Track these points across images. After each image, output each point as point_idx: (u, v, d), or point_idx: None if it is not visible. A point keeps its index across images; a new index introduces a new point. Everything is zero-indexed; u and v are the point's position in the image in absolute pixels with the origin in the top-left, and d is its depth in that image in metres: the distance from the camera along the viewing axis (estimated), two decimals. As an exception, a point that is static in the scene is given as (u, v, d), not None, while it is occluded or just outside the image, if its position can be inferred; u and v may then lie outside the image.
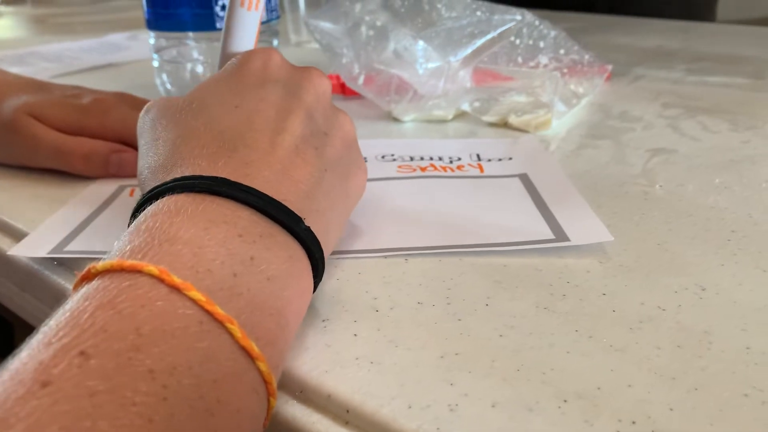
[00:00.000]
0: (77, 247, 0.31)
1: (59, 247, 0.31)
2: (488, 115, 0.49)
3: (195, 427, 0.17)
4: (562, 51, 0.55)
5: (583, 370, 0.22)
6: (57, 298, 0.30)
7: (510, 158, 0.41)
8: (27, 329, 0.37)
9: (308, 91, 0.29)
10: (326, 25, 0.51)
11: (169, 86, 0.53)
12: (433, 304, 0.26)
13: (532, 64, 0.54)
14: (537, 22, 0.54)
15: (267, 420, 0.21)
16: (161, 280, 0.19)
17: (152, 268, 0.19)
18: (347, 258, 0.30)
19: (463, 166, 0.40)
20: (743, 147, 0.43)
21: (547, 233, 0.31)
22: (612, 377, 0.22)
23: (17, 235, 0.33)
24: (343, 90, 0.55)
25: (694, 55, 0.69)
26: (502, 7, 0.51)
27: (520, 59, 0.53)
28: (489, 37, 0.48)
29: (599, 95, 0.55)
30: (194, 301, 0.19)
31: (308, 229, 0.24)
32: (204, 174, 0.24)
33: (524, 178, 0.38)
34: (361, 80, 0.50)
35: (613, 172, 0.39)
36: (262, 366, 0.19)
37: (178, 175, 0.24)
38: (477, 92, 0.50)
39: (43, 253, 0.30)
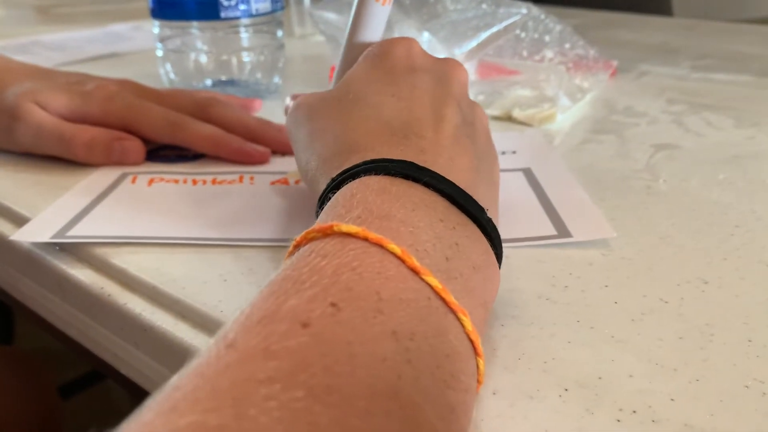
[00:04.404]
0: (79, 232, 0.31)
1: (61, 233, 0.31)
2: (492, 109, 0.49)
3: (436, 395, 0.17)
4: (567, 45, 0.55)
5: (585, 359, 0.22)
6: (58, 282, 0.30)
7: (514, 152, 0.41)
8: (26, 314, 0.37)
9: (453, 81, 0.29)
10: (331, 15, 0.51)
11: (172, 76, 0.53)
12: (435, 294, 0.26)
13: (537, 57, 0.54)
14: (542, 16, 0.54)
15: None
16: (402, 261, 0.19)
17: (395, 246, 0.19)
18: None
19: (466, 159, 0.40)
20: (747, 143, 0.43)
21: (550, 229, 0.31)
22: (613, 367, 0.22)
23: (19, 221, 0.33)
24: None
25: (699, 52, 0.69)
26: (507, 0, 0.51)
27: (525, 53, 0.53)
28: (494, 30, 0.48)
29: (604, 90, 0.55)
30: (427, 283, 0.19)
31: (490, 220, 0.24)
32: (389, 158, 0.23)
33: (528, 173, 0.38)
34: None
35: (617, 167, 0.39)
36: (480, 362, 0.20)
37: (361, 160, 0.24)
38: (481, 85, 0.50)
39: (45, 237, 0.30)
